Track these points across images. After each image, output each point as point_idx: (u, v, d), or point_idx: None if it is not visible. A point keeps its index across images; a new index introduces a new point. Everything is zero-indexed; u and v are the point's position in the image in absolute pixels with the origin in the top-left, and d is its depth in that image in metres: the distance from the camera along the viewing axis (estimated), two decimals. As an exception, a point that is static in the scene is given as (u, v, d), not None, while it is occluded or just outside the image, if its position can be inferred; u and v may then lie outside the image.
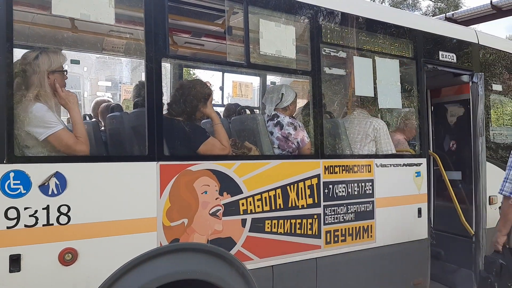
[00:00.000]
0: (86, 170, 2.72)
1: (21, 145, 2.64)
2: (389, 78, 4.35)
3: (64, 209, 2.59)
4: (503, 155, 5.30)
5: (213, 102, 3.69)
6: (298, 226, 3.60)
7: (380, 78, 4.23)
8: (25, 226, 2.48)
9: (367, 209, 4.05)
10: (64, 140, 2.72)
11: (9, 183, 2.44)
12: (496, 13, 8.38)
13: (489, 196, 4.96)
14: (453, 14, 9.10)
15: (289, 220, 3.55)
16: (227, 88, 6.33)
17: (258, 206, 3.38)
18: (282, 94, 4.10)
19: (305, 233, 3.64)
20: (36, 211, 2.51)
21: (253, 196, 3.35)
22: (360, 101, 4.56)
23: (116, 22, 3.00)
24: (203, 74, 6.08)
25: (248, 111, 4.62)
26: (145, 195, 2.90)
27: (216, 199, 3.18)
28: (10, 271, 2.44)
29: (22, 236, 2.48)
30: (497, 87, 5.45)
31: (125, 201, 2.82)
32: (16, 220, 2.46)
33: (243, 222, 3.30)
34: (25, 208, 2.48)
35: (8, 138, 2.47)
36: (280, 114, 4.05)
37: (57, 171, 2.57)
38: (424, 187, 4.51)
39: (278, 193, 3.49)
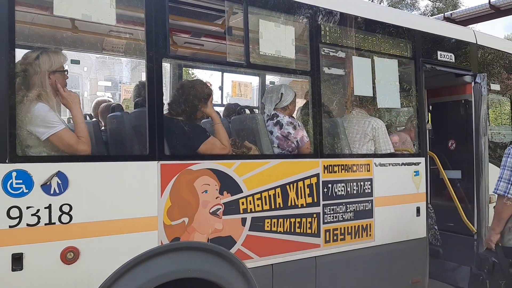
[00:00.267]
0: (88, 170, 2.73)
1: (23, 144, 2.65)
2: (388, 78, 4.37)
3: (66, 208, 2.60)
4: (501, 154, 5.32)
5: (213, 102, 3.71)
6: (297, 225, 3.62)
7: (379, 78, 4.25)
8: (27, 225, 2.50)
9: (366, 208, 4.08)
10: (66, 140, 2.73)
11: (12, 182, 2.46)
12: (495, 12, 8.42)
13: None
14: (451, 14, 9.13)
15: (288, 219, 3.57)
16: (226, 88, 6.35)
17: (258, 205, 3.40)
18: (282, 93, 4.12)
19: (305, 232, 3.66)
20: (38, 210, 2.52)
21: (253, 195, 3.37)
22: (359, 100, 4.58)
23: (116, 22, 3.02)
24: (203, 74, 6.08)
25: (247, 111, 4.64)
26: (146, 194, 2.92)
27: (216, 198, 3.20)
28: (13, 270, 2.45)
29: (24, 235, 2.49)
30: (495, 86, 5.48)
31: (126, 200, 2.84)
32: (18, 219, 2.47)
33: (243, 221, 3.33)
34: (27, 207, 2.50)
35: (10, 137, 2.49)
36: (280, 114, 4.07)
37: (59, 171, 2.59)
38: (422, 186, 4.53)
39: (278, 192, 3.51)
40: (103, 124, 4.44)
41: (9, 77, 2.52)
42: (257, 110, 5.74)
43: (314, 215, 3.72)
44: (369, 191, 4.10)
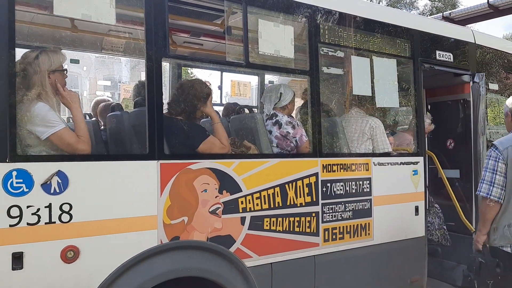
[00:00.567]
0: (88, 169, 2.74)
1: (23, 144, 2.66)
2: (387, 78, 4.38)
3: (66, 207, 2.61)
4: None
5: (212, 102, 3.72)
6: (296, 224, 3.63)
7: (378, 77, 4.27)
8: (28, 224, 2.51)
9: (365, 207, 4.09)
10: (66, 139, 2.74)
11: (12, 181, 2.47)
12: (493, 12, 8.42)
13: None
14: (450, 13, 9.14)
15: (287, 218, 3.58)
16: (225, 87, 6.37)
17: (257, 204, 3.41)
18: (281, 93, 4.13)
19: (304, 231, 3.67)
20: (38, 210, 2.53)
21: (252, 194, 3.38)
22: (357, 100, 4.59)
23: (116, 22, 3.03)
24: (202, 74, 6.10)
25: (247, 110, 4.65)
26: (146, 193, 2.93)
27: (215, 197, 3.21)
28: (13, 269, 2.46)
29: (25, 234, 2.50)
30: (494, 86, 5.49)
31: (126, 199, 2.85)
32: (18, 218, 2.48)
33: (242, 220, 3.34)
34: (28, 207, 2.51)
35: (10, 137, 2.50)
36: (279, 113, 4.08)
37: (59, 170, 2.60)
38: (421, 185, 4.55)
39: (277, 192, 3.52)
40: (102, 123, 4.45)
41: (9, 77, 2.53)
42: (256, 109, 5.75)
43: (313, 214, 3.73)
44: (368, 190, 4.11)
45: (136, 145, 3.38)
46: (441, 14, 9.49)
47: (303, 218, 3.67)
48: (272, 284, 3.48)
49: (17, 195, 2.48)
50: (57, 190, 2.59)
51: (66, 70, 3.00)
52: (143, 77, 3.43)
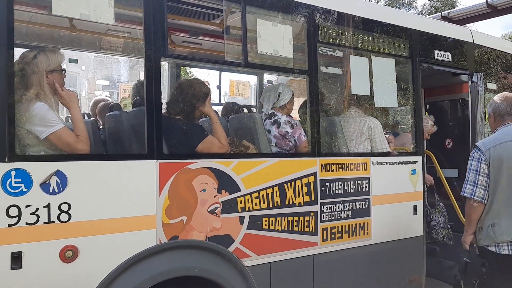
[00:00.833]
0: (87, 169, 2.74)
1: (22, 143, 2.66)
2: (385, 77, 4.39)
3: (65, 207, 2.62)
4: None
5: (211, 101, 3.72)
6: (295, 223, 3.64)
7: (376, 77, 4.27)
8: (27, 224, 2.51)
9: (364, 207, 4.10)
10: (65, 139, 2.74)
11: (11, 181, 2.47)
12: (492, 12, 8.44)
13: None
14: (448, 13, 9.15)
15: (286, 218, 3.58)
16: (224, 87, 6.37)
17: (256, 204, 3.42)
18: (279, 93, 4.14)
19: (302, 230, 3.68)
20: (37, 209, 2.53)
21: (250, 193, 3.39)
22: (356, 99, 4.60)
23: (115, 21, 3.03)
24: (201, 73, 6.10)
25: (245, 110, 4.66)
26: (145, 193, 2.93)
27: (214, 196, 3.21)
28: (12, 268, 2.46)
29: (24, 234, 2.50)
30: (492, 85, 5.50)
31: (125, 199, 2.85)
32: (17, 218, 2.48)
33: (241, 219, 3.34)
34: (27, 206, 2.51)
35: (9, 136, 2.50)
36: (278, 113, 4.08)
37: (58, 170, 2.60)
38: (419, 184, 4.56)
39: (276, 191, 3.53)
40: (101, 123, 4.45)
41: (7, 76, 2.53)
42: (255, 109, 5.75)
43: (312, 214, 3.73)
44: (367, 189, 4.12)
45: (135, 145, 3.38)
46: (440, 13, 9.50)
47: (301, 218, 3.67)
48: (271, 284, 3.49)
49: (16, 195, 2.48)
50: (56, 190, 2.59)
51: (64, 70, 2.99)
52: (141, 76, 3.43)
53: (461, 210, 5.05)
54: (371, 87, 4.24)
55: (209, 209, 3.19)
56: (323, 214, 3.80)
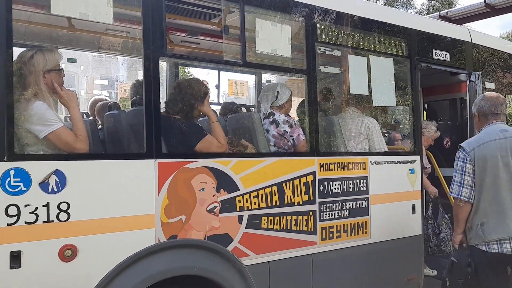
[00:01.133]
0: (86, 168, 2.75)
1: (21, 143, 2.66)
2: (384, 77, 4.40)
3: (64, 206, 2.62)
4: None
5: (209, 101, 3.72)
6: (293, 222, 3.64)
7: (375, 76, 4.28)
8: (26, 223, 2.51)
9: (362, 206, 4.10)
10: (64, 138, 2.74)
11: (10, 180, 2.47)
12: (490, 11, 8.46)
13: None
14: (447, 12, 9.17)
15: (285, 217, 3.59)
16: (223, 86, 6.37)
17: (255, 203, 3.42)
18: (278, 92, 4.14)
19: (301, 229, 3.68)
20: (36, 208, 2.54)
21: (249, 193, 3.39)
22: (354, 99, 4.61)
23: (113, 21, 3.03)
24: (199, 73, 6.10)
25: (244, 109, 4.66)
26: (144, 192, 2.93)
27: (213, 196, 3.22)
28: (11, 268, 2.46)
29: (23, 233, 2.50)
30: (490, 85, 5.52)
31: (124, 198, 2.85)
32: (16, 217, 2.48)
33: (240, 218, 3.35)
34: (26, 205, 2.51)
35: (8, 136, 2.50)
36: (276, 112, 4.09)
37: (57, 169, 2.60)
38: (418, 184, 4.56)
39: (274, 190, 3.53)
40: (100, 122, 4.45)
41: (6, 76, 2.53)
42: (253, 108, 5.76)
43: (310, 213, 3.74)
44: (365, 189, 4.12)
45: (134, 144, 3.38)
46: (438, 13, 9.52)
47: (300, 217, 3.68)
48: (269, 283, 3.49)
49: (15, 194, 2.48)
50: (55, 189, 2.59)
51: (62, 69, 2.99)
52: (140, 76, 3.43)
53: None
54: (370, 86, 4.25)
55: (208, 209, 3.19)
56: (321, 213, 3.81)
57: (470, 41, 5.24)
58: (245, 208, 3.37)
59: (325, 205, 3.83)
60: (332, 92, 4.83)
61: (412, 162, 4.54)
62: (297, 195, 3.66)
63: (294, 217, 3.65)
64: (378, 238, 4.20)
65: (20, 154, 2.61)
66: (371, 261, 4.14)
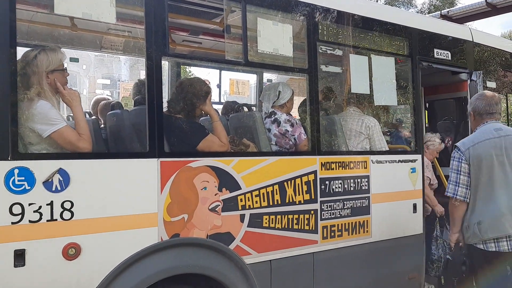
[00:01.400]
0: (89, 167, 2.76)
1: (25, 142, 2.68)
2: (385, 76, 4.41)
3: (67, 205, 2.64)
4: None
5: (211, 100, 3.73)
6: (295, 221, 3.65)
7: (376, 75, 4.29)
8: (30, 221, 2.53)
9: (363, 205, 4.11)
10: (67, 137, 2.76)
11: (14, 179, 2.49)
12: (491, 10, 8.47)
13: None
14: (448, 12, 9.17)
15: (286, 216, 3.60)
16: (224, 85, 6.38)
17: (256, 202, 3.44)
18: (279, 91, 4.15)
19: (302, 228, 3.70)
20: (40, 207, 2.55)
21: (251, 192, 3.41)
22: (355, 98, 4.62)
23: (116, 20, 3.04)
24: (201, 72, 6.11)
25: (246, 109, 4.67)
26: (146, 191, 2.95)
27: (215, 195, 3.23)
28: (15, 266, 2.48)
29: (27, 232, 2.52)
30: (491, 84, 5.52)
31: (127, 197, 2.87)
32: (20, 215, 2.50)
33: (242, 217, 3.36)
34: (30, 204, 2.53)
35: (12, 135, 2.51)
36: (278, 111, 4.10)
37: (60, 168, 2.62)
38: (419, 183, 4.57)
39: (276, 189, 3.54)
40: (102, 122, 4.47)
41: (10, 75, 2.54)
42: (255, 107, 5.77)
43: (312, 212, 3.75)
44: (366, 188, 4.13)
45: (136, 143, 3.40)
46: (439, 12, 9.52)
47: (302, 216, 3.69)
48: (271, 281, 3.51)
49: (19, 193, 2.50)
50: (59, 188, 2.61)
51: (65, 69, 3.01)
52: (142, 75, 3.44)
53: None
54: (371, 85, 4.26)
55: (210, 207, 3.21)
56: (323, 212, 3.82)
57: (472, 40, 5.24)
58: (247, 207, 3.38)
59: (326, 204, 3.85)
60: (334, 91, 4.84)
61: (414, 161, 4.55)
62: (299, 194, 3.68)
63: (296, 216, 3.66)
64: (379, 237, 4.21)
65: (24, 153, 2.63)
66: (372, 260, 4.15)
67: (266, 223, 3.48)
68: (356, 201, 4.06)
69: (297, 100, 4.75)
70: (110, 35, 4.49)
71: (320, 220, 3.80)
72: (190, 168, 3.14)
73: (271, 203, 3.51)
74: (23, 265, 2.51)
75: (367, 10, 4.40)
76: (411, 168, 4.52)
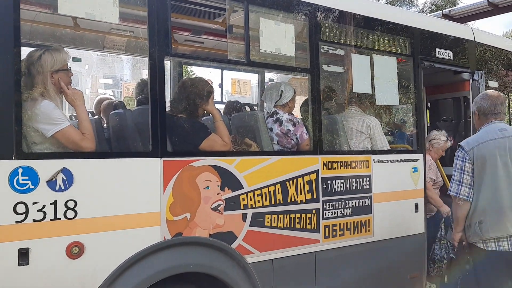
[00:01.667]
0: (92, 166, 2.78)
1: (29, 141, 2.70)
2: (387, 75, 4.41)
3: (71, 204, 2.65)
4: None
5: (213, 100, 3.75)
6: (297, 220, 3.67)
7: (378, 75, 4.30)
8: (34, 220, 2.54)
9: (365, 204, 4.12)
10: (71, 137, 2.77)
11: (18, 178, 2.50)
12: (493, 10, 8.47)
13: None
14: (449, 11, 9.17)
15: (288, 215, 3.61)
16: (226, 85, 6.39)
17: (258, 201, 3.45)
18: (281, 91, 4.16)
19: (304, 227, 3.71)
20: (44, 206, 2.57)
21: (253, 191, 3.42)
22: (357, 97, 4.63)
23: (119, 20, 3.06)
24: (203, 72, 6.13)
25: (248, 108, 4.68)
26: (149, 190, 2.96)
27: (217, 194, 3.25)
28: (19, 264, 2.50)
29: (31, 230, 2.54)
30: (493, 84, 5.53)
31: (130, 196, 2.88)
32: (24, 215, 2.52)
33: (244, 216, 3.37)
34: (34, 203, 2.54)
35: (16, 134, 2.53)
36: (280, 111, 4.11)
37: (64, 167, 2.63)
38: (421, 182, 4.58)
39: (278, 188, 3.56)
40: (105, 121, 4.48)
41: (14, 75, 2.56)
42: (257, 107, 5.78)
43: (314, 211, 3.76)
44: (368, 187, 4.14)
45: (139, 143, 3.40)
46: (441, 11, 9.52)
47: (303, 215, 3.70)
48: (273, 280, 3.52)
49: (23, 192, 2.52)
50: (62, 187, 2.63)
51: (70, 68, 3.03)
52: (144, 75, 3.45)
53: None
54: (373, 85, 4.27)
55: (212, 206, 3.22)
56: (324, 212, 3.83)
57: (473, 39, 5.25)
58: (249, 206, 3.39)
59: (328, 203, 3.86)
60: (335, 91, 4.85)
61: (415, 160, 4.56)
62: (301, 193, 3.69)
63: (298, 215, 3.67)
64: (381, 236, 4.22)
65: (28, 152, 2.65)
66: (374, 259, 4.16)
67: (268, 222, 3.50)
68: (358, 200, 4.07)
69: (299, 100, 4.76)
70: (112, 35, 4.50)
71: (322, 220, 3.81)
72: (193, 168, 3.15)
73: (273, 203, 3.52)
74: (27, 263, 2.52)
75: (369, 9, 4.41)
76: (412, 168, 4.53)
